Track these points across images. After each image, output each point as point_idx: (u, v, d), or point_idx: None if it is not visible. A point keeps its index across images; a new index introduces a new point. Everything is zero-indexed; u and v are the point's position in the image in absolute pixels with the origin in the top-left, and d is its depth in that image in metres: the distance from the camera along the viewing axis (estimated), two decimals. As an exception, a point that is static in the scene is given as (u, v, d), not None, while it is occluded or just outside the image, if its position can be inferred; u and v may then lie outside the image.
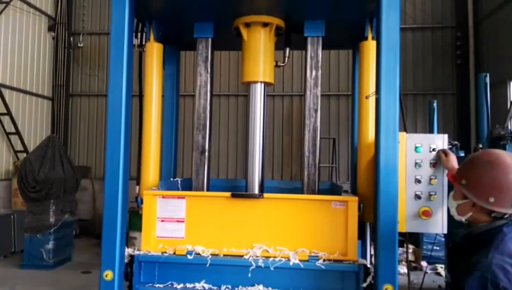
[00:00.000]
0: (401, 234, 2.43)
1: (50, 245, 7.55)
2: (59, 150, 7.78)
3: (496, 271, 1.66)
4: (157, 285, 2.54)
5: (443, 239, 7.41)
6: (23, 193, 7.57)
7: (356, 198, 2.50)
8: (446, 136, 2.52)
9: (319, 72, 2.86)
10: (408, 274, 3.12)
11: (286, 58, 3.06)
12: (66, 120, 11.44)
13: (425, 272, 7.15)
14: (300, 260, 2.44)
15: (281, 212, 2.56)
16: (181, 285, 2.53)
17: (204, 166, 2.84)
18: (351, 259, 2.47)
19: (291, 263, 2.43)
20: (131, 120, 2.58)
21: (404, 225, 2.49)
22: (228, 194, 2.59)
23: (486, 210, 1.83)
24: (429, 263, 7.55)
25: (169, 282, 2.55)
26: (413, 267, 7.81)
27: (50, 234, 7.53)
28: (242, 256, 2.51)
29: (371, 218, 2.57)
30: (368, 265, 2.43)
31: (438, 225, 2.48)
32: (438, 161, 2.52)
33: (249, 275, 2.47)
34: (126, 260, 2.51)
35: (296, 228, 2.54)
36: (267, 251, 2.52)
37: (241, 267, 2.48)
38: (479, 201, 1.82)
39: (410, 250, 7.94)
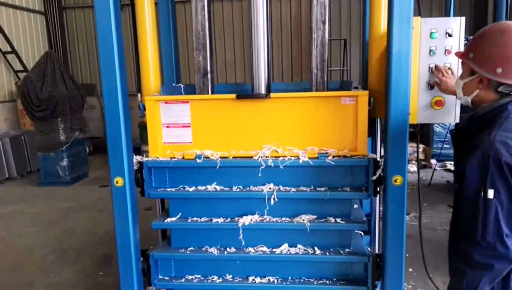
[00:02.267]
0: (411, 126, 2.36)
1: (64, 163, 7.74)
2: (58, 66, 7.62)
3: (498, 147, 1.59)
4: (168, 189, 2.57)
5: (453, 137, 7.45)
6: (29, 113, 7.57)
7: (366, 92, 2.40)
8: (463, 18, 2.32)
9: (327, -23, 2.52)
10: (418, 172, 3.11)
11: None
12: (62, 35, 11.06)
13: (434, 169, 7.29)
14: (310, 158, 2.41)
15: (289, 111, 2.49)
16: (193, 188, 2.55)
17: (208, 89, 2.69)
18: (361, 154, 2.44)
19: (300, 161, 2.41)
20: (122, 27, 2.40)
21: (415, 117, 2.40)
22: (233, 96, 2.49)
23: (494, 85, 1.71)
24: (438, 160, 7.66)
25: (181, 186, 2.58)
26: (422, 165, 7.94)
27: (63, 152, 7.69)
28: (251, 157, 2.49)
29: (382, 113, 2.48)
30: (378, 159, 2.40)
31: (451, 115, 2.40)
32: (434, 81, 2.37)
33: (259, 175, 2.47)
34: (135, 167, 2.51)
35: (304, 127, 2.48)
36: (276, 151, 2.49)
37: (250, 168, 2.48)
38: (485, 73, 1.71)
39: (420, 149, 8.02)
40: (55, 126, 7.58)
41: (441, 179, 7.23)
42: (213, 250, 2.58)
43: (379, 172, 2.36)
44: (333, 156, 2.41)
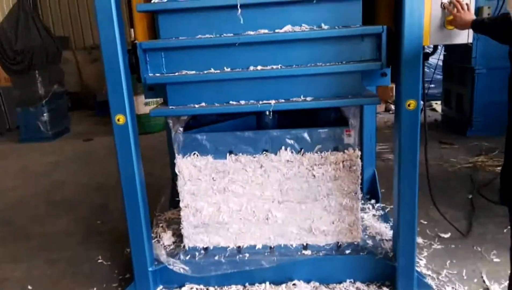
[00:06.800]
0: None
1: (45, 117, 7.44)
2: (31, 15, 7.16)
3: None
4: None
5: (440, 77, 7.45)
6: (5, 67, 7.20)
7: None
8: None
9: None
10: (424, 102, 3.00)
11: None
12: (31, -18, 10.33)
13: (422, 109, 7.34)
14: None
15: None
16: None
17: None
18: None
19: None
20: None
21: (428, 38, 2.32)
22: None
23: None
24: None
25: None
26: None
27: (42, 106, 7.38)
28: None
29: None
30: None
31: (464, 35, 2.31)
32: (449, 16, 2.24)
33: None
34: None
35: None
36: None
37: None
38: None
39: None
40: (32, 80, 7.22)
41: (428, 118, 7.31)
42: (209, 36, 2.34)
43: None
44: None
